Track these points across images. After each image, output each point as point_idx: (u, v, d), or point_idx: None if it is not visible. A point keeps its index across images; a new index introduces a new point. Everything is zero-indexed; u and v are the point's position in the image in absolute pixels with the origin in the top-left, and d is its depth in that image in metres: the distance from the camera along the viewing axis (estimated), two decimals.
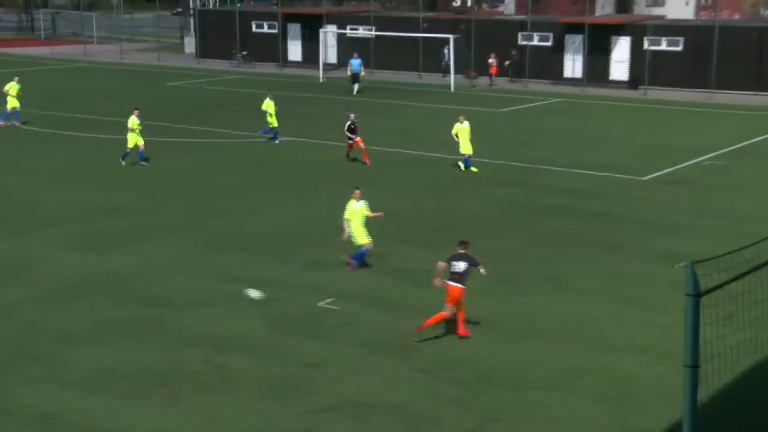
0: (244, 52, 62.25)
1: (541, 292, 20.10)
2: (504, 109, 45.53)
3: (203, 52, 65.17)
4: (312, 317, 18.57)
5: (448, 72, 54.87)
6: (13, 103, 39.42)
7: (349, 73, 51.04)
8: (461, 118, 31.87)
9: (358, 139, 31.83)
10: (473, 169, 31.20)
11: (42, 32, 79.70)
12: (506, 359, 16.57)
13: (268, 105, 35.73)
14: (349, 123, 31.95)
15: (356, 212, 21.06)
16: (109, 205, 26.58)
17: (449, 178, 30.53)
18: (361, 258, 21.33)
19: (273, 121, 35.71)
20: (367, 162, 31.81)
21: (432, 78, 55.57)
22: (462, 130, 31.39)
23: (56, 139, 37.13)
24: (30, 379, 15.73)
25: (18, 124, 39.31)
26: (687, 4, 73.25)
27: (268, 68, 60.40)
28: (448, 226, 24.96)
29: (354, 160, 32.32)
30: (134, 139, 31.52)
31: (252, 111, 42.37)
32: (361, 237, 21.11)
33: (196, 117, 40.97)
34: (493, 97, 49.28)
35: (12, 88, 39.26)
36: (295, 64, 61.28)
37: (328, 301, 19.34)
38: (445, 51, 55.35)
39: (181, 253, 22.74)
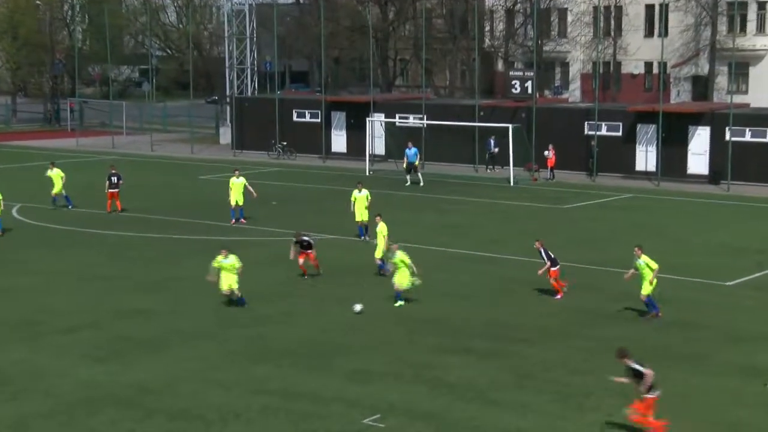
0: (284, 143, 63.31)
1: (612, 408, 19.88)
2: (569, 206, 45.67)
3: (240, 142, 66.37)
4: None
5: (494, 164, 55.19)
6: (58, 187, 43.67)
7: (405, 164, 51.87)
8: (359, 185, 36.30)
9: (310, 252, 30.97)
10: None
11: (68, 123, 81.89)
12: None
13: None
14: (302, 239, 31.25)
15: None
16: (128, 309, 26.93)
17: (502, 280, 30.55)
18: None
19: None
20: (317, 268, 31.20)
21: (490, 171, 55.99)
22: (360, 198, 35.57)
23: (73, 237, 37.90)
24: None
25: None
26: None
27: (310, 160, 61.32)
28: (502, 335, 24.93)
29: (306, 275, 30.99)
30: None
31: (290, 205, 42.89)
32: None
33: (229, 212, 41.54)
34: (557, 192, 49.50)
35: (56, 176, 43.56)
36: (339, 155, 62.15)
37: (373, 418, 19.32)
38: (491, 141, 55.85)
39: (208, 362, 22.97)
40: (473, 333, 25.24)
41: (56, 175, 43.49)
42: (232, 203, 39.96)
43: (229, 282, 27.55)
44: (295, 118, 64.36)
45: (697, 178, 52.36)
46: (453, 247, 35.65)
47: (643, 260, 26.39)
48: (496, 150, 55.74)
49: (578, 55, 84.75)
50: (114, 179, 42.48)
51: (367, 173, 54.91)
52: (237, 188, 40.10)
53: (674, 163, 52.81)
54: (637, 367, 18.26)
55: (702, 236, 38.39)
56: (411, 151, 51.89)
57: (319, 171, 57.22)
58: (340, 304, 27.73)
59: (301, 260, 30.92)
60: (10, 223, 40.09)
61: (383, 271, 30.19)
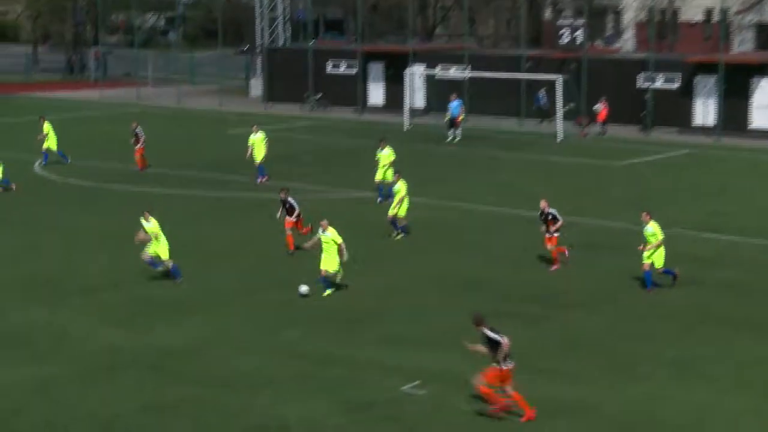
0: (318, 96, 63.16)
1: (664, 379, 19.77)
2: (621, 162, 45.25)
3: (271, 95, 66.31)
4: (392, 403, 18.55)
5: (544, 117, 54.64)
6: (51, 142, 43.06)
7: (447, 118, 51.52)
8: (382, 142, 35.45)
9: (294, 220, 29.17)
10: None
11: (92, 73, 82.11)
12: None
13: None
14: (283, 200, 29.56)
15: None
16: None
17: (542, 241, 30.19)
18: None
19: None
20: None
21: (536, 125, 55.61)
22: (383, 156, 34.98)
23: (99, 194, 38.11)
24: None
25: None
26: None
27: (345, 113, 61.17)
28: (549, 300, 24.82)
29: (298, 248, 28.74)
30: None
31: (325, 163, 42.86)
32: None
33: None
34: (609, 148, 49.04)
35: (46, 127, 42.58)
36: (376, 108, 61.94)
37: (412, 385, 19.31)
38: (540, 94, 55.30)
39: (237, 326, 23.06)
40: (518, 297, 25.14)
41: (48, 128, 42.91)
42: (257, 160, 39.73)
43: (153, 248, 26.25)
44: (329, 70, 64.16)
45: (761, 134, 51.68)
46: (496, 205, 35.44)
47: (651, 227, 25.56)
48: (545, 103, 55.29)
49: (631, 2, 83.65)
50: (137, 136, 42.28)
51: (405, 128, 54.68)
52: (257, 145, 39.75)
53: (735, 117, 52.12)
54: (493, 335, 17.73)
55: (764, 195, 37.90)
56: (454, 103, 51.54)
57: (354, 125, 57.07)
58: (372, 266, 27.69)
59: (288, 229, 29.10)
60: (32, 178, 40.42)
61: (397, 231, 30.46)
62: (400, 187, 30.67)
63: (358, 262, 27.42)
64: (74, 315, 23.83)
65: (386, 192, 34.26)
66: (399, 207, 30.64)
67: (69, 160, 43.40)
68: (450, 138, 50.86)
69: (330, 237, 25.01)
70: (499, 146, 49.37)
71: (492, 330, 17.82)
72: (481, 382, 17.74)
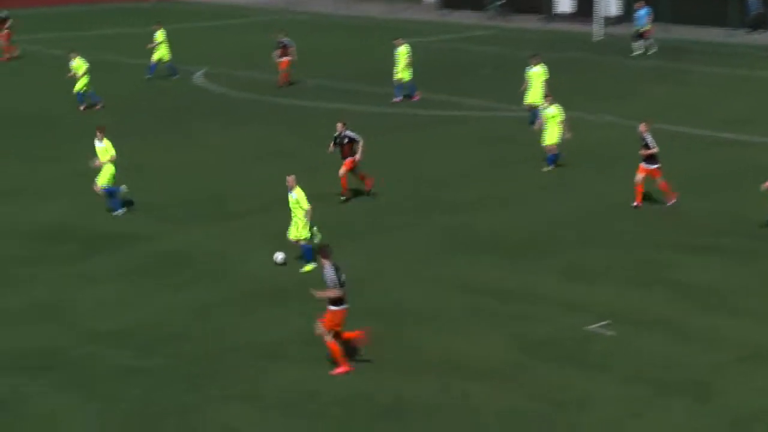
0: (500, 2, 62.38)
1: None
2: None
3: (447, 1, 65.83)
4: (573, 341, 18.42)
5: (757, 25, 52.50)
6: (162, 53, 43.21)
7: (635, 28, 50.15)
8: (535, 58, 33.63)
9: (350, 160, 26.66)
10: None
11: None
12: None
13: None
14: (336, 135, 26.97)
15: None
16: (316, 192, 27.20)
17: (753, 169, 29.16)
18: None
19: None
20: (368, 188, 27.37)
21: (745, 35, 53.64)
22: (534, 75, 33.13)
23: (252, 108, 38.51)
24: (225, 398, 16.56)
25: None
26: None
27: (529, 22, 60.20)
28: (751, 233, 24.09)
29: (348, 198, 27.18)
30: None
31: (502, 78, 42.29)
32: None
33: (432, 84, 41.37)
34: None
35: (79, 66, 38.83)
36: (564, 17, 60.74)
37: (599, 324, 19.06)
38: None
39: (406, 254, 23.13)
40: (717, 230, 24.45)
41: (79, 66, 38.53)
42: (397, 77, 38.57)
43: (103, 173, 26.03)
44: None
45: None
46: (692, 126, 34.40)
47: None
48: (760, 11, 53.07)
49: None
50: (283, 47, 41.53)
51: (595, 38, 53.56)
52: (401, 58, 38.54)
53: None
54: (334, 277, 17.22)
55: None
56: (641, 12, 49.87)
57: (538, 35, 56.16)
58: (553, 191, 27.47)
59: (342, 171, 26.63)
60: (190, 90, 41.21)
61: (550, 165, 29.14)
62: (554, 112, 28.99)
63: (547, 189, 27.08)
64: (235, 237, 24.33)
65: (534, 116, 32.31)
66: (552, 133, 29.00)
67: (178, 75, 43.42)
68: (638, 51, 49.30)
69: (295, 199, 22.15)
70: (698, 60, 47.78)
71: (333, 266, 17.32)
72: (324, 334, 17.32)
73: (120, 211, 25.97)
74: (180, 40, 47.67)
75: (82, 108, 38.03)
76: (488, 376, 17.09)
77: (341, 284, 17.26)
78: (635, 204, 25.88)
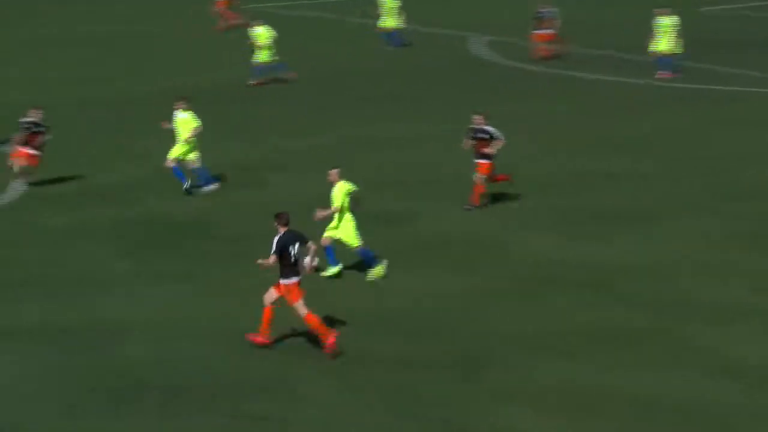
0: None
1: None
2: None
3: None
4: None
5: None
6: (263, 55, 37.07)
7: None
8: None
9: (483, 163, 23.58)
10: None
11: None
12: None
13: None
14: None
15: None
16: (592, 171, 26.26)
17: None
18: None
19: None
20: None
21: None
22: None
23: (535, 81, 37.31)
24: (492, 394, 15.77)
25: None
26: None
27: None
28: None
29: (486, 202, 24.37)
30: None
31: None
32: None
33: (727, 56, 39.27)
34: None
35: (261, 36, 36.77)
36: None
37: None
38: None
39: (699, 244, 21.62)
40: None
41: (260, 35, 36.63)
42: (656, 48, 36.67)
43: (179, 149, 24.74)
44: None
45: None
46: None
47: None
48: None
49: None
50: (544, 16, 38.96)
51: None
52: (664, 30, 36.51)
53: None
54: (274, 246, 16.63)
55: None
56: None
57: None
58: None
59: (479, 176, 23.47)
60: (467, 59, 40.04)
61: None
62: None
63: None
64: (506, 221, 23.29)
65: None
66: None
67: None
68: None
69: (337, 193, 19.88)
70: None
71: (281, 241, 16.65)
72: (300, 309, 16.77)
73: (212, 186, 24.81)
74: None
75: (253, 83, 36.09)
76: None
77: (293, 258, 16.65)
78: None
